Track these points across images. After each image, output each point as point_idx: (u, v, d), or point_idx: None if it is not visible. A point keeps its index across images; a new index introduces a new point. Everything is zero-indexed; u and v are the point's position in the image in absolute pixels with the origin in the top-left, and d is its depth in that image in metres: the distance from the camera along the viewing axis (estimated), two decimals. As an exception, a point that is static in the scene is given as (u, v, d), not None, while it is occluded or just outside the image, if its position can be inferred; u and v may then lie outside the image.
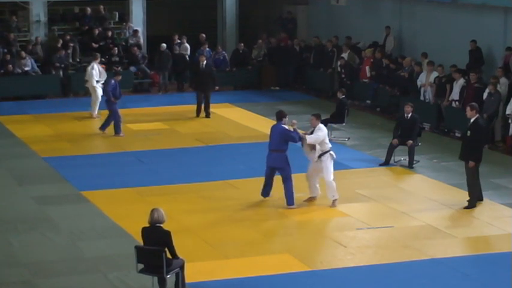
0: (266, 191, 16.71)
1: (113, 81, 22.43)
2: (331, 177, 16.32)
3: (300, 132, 16.54)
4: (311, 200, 16.66)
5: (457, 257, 13.89)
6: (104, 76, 24.22)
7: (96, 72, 24.13)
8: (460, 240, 14.66)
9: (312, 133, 16.41)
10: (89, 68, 24.40)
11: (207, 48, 29.17)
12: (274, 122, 16.77)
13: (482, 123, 16.68)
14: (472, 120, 16.34)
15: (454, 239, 14.71)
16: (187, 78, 29.23)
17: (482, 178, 18.13)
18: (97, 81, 24.10)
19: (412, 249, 14.16)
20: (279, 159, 16.30)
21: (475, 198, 16.39)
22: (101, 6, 30.29)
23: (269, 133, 16.58)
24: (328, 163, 16.32)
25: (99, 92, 23.98)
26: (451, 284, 12.85)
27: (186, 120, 24.29)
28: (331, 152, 16.34)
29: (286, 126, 16.36)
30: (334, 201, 16.40)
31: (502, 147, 21.04)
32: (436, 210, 16.32)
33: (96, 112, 24.30)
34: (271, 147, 16.39)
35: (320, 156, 16.27)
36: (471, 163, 16.18)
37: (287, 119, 16.50)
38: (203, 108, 24.41)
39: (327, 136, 16.46)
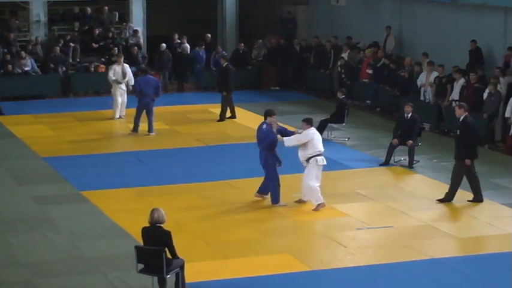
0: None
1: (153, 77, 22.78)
2: (313, 181, 16.05)
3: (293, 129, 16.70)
4: (299, 202, 16.54)
5: (457, 257, 13.90)
6: (127, 77, 24.08)
7: (115, 72, 24.02)
8: (460, 240, 14.67)
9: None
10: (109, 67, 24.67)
11: (202, 49, 29.19)
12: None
13: (471, 121, 16.77)
14: (460, 119, 16.53)
15: (454, 239, 14.72)
16: (188, 78, 29.34)
17: (483, 178, 18.15)
18: (118, 82, 24.01)
19: (412, 249, 14.16)
20: (261, 156, 16.40)
21: (479, 193, 16.50)
22: (105, 8, 30.23)
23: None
24: (311, 168, 16.08)
25: (116, 93, 23.91)
26: (451, 284, 12.85)
27: (187, 120, 24.29)
28: (318, 158, 16.03)
29: (267, 126, 16.34)
30: (318, 205, 16.16)
31: (502, 147, 21.04)
32: (436, 210, 16.33)
33: (117, 114, 24.06)
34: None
35: (308, 160, 16.17)
36: (467, 161, 16.31)
37: (273, 118, 16.44)
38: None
39: (315, 140, 16.05)
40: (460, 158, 16.44)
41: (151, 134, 22.27)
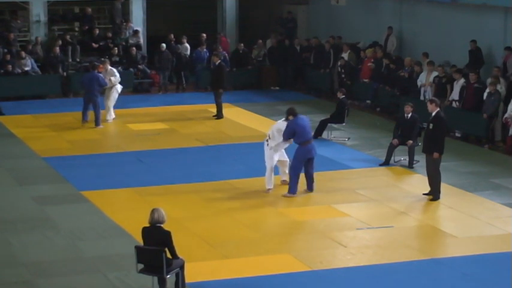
0: (310, 185, 17.24)
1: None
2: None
3: None
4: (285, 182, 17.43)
5: (457, 257, 13.89)
6: (113, 81, 24.01)
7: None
8: (460, 240, 14.66)
9: None
10: None
11: (205, 49, 29.20)
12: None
13: (443, 116, 17.02)
14: (433, 114, 16.82)
15: (454, 239, 14.72)
16: (187, 78, 29.35)
17: (483, 178, 18.20)
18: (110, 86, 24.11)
19: (412, 249, 14.17)
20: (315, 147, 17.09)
21: (438, 190, 16.75)
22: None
23: (300, 125, 16.88)
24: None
25: (105, 97, 24.00)
26: (451, 284, 12.85)
27: (186, 120, 24.29)
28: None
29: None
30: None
31: (502, 147, 21.05)
32: (436, 210, 16.34)
33: (107, 117, 23.93)
34: (311, 137, 17.14)
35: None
36: (436, 154, 16.64)
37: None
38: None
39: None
40: (430, 151, 16.74)
41: (98, 127, 22.98)
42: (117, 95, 23.97)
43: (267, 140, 17.09)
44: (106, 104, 23.91)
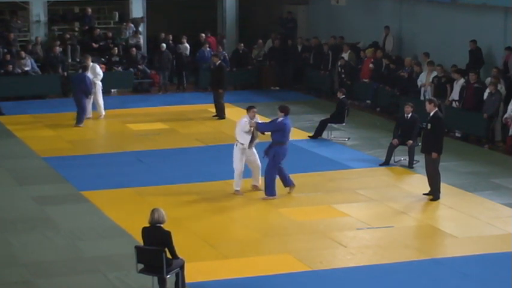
0: (289, 180, 17.04)
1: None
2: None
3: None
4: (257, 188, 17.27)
5: (457, 257, 13.90)
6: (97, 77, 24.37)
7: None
8: (460, 240, 14.67)
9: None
10: None
11: (208, 48, 29.20)
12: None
13: (441, 116, 17.08)
14: (431, 114, 16.82)
15: (454, 239, 14.72)
16: (187, 78, 29.34)
17: (483, 178, 18.20)
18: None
19: (412, 249, 14.17)
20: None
21: (438, 190, 16.77)
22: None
23: (288, 125, 16.81)
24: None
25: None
26: (451, 284, 12.85)
27: (186, 120, 24.29)
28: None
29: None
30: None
31: (502, 147, 21.05)
32: (436, 210, 16.35)
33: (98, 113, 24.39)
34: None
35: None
36: (434, 154, 16.64)
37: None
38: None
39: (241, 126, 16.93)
40: (428, 151, 16.77)
41: (78, 125, 23.20)
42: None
43: (237, 144, 16.93)
44: (97, 101, 24.06)
